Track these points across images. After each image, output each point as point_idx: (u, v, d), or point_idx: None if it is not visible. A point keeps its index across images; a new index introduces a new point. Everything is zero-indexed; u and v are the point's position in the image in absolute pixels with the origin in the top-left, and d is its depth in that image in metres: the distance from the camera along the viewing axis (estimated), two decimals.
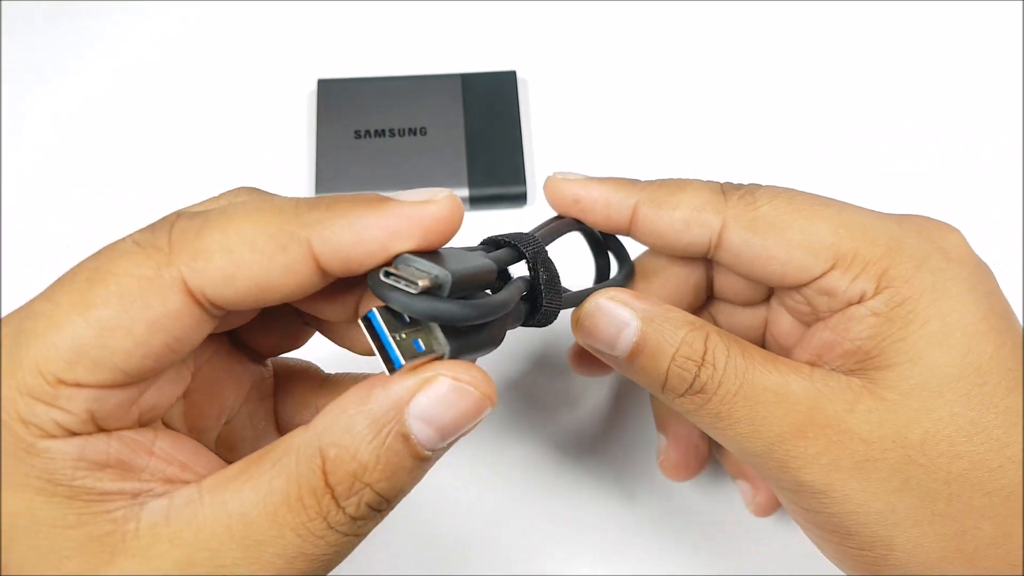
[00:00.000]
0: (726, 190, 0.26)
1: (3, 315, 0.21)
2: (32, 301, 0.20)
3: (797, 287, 0.25)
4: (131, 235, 0.20)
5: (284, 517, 0.19)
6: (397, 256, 0.20)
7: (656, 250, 0.28)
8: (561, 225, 0.27)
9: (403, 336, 0.19)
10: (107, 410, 0.20)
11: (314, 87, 0.44)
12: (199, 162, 0.43)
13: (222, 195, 0.23)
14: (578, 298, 0.26)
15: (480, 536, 0.35)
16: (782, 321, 0.28)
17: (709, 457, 0.33)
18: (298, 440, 0.20)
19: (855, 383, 0.24)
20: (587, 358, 0.31)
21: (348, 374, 0.27)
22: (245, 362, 0.26)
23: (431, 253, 0.21)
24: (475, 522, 0.35)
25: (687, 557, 0.34)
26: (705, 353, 0.24)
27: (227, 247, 0.19)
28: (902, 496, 0.23)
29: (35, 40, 0.45)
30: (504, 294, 0.22)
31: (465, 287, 0.20)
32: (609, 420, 0.37)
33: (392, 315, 0.20)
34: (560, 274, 0.25)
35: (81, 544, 0.19)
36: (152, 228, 0.20)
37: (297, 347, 0.26)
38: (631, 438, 0.36)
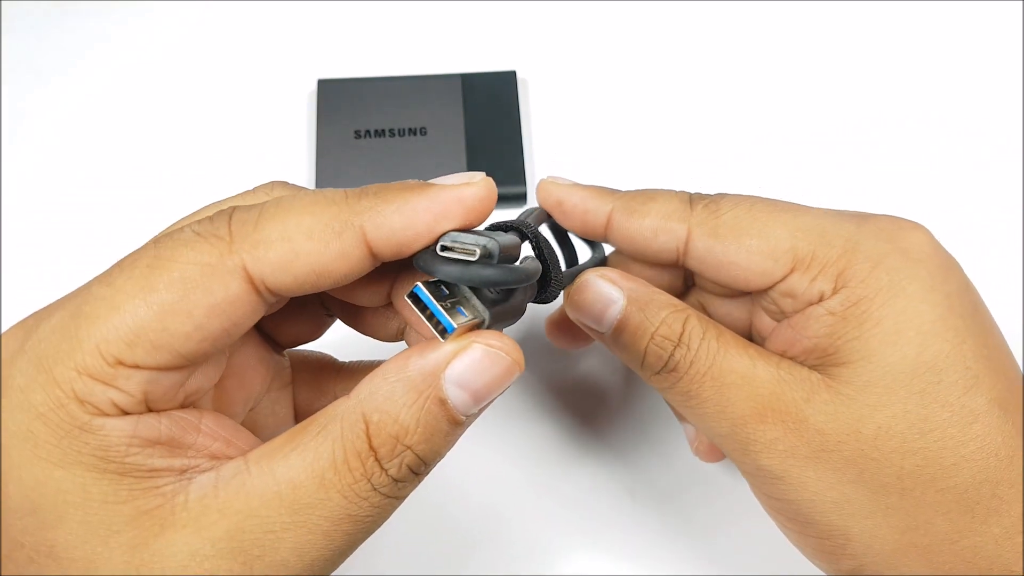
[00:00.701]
0: (693, 200, 0.27)
1: (3, 317, 0.21)
2: (90, 284, 0.21)
3: (762, 290, 0.26)
4: (189, 225, 0.21)
5: (331, 480, 0.20)
6: (442, 235, 0.22)
7: (631, 256, 0.29)
8: (541, 215, 0.29)
9: (448, 306, 0.21)
10: (160, 391, 0.21)
11: (314, 87, 0.44)
12: (199, 162, 0.43)
13: (259, 188, 0.25)
14: (573, 276, 0.28)
15: (482, 534, 0.35)
16: (761, 315, 0.29)
17: None
18: (341, 408, 0.21)
19: (814, 376, 0.25)
20: (563, 329, 0.33)
21: (362, 361, 0.28)
22: (269, 351, 0.27)
23: (467, 232, 0.22)
24: (476, 520, 0.35)
25: (688, 558, 0.34)
26: (682, 334, 0.26)
27: (286, 236, 0.21)
28: (856, 488, 0.24)
29: (35, 40, 0.46)
30: (531, 264, 0.24)
31: (504, 257, 0.22)
32: (609, 420, 0.37)
33: (433, 289, 0.21)
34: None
35: (131, 518, 0.20)
36: (211, 219, 0.21)
37: (316, 338, 0.28)
38: (630, 439, 0.36)
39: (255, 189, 0.25)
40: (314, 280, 0.21)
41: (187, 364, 0.21)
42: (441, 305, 0.21)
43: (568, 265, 0.32)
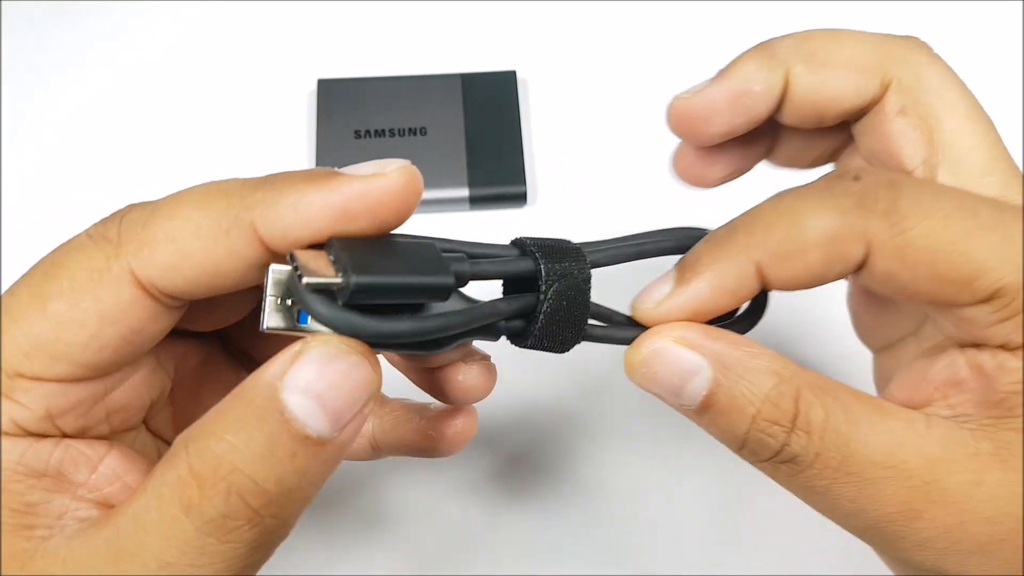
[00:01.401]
0: (860, 200, 0.20)
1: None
2: (2, 295, 0.20)
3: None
4: (87, 229, 0.20)
5: (144, 518, 0.17)
6: (330, 239, 0.18)
7: (803, 125, 0.25)
8: (661, 242, 0.23)
9: (294, 296, 0.18)
10: (66, 406, 0.19)
11: (314, 87, 0.44)
12: (199, 162, 0.43)
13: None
14: (626, 334, 0.22)
15: (482, 534, 0.35)
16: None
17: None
18: (178, 438, 0.18)
19: (983, 449, 0.20)
20: (687, 164, 0.29)
21: None
22: (240, 371, 0.25)
23: (386, 241, 0.19)
24: (475, 520, 0.35)
25: (688, 558, 0.34)
26: (797, 417, 0.20)
27: (171, 235, 0.19)
28: None
29: (35, 40, 0.45)
30: (419, 324, 0.19)
31: (380, 298, 0.18)
32: (609, 420, 0.37)
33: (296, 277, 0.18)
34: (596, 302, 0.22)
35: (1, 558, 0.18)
36: (104, 220, 0.20)
37: (240, 317, 0.25)
38: (631, 439, 0.36)
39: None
40: (207, 281, 0.19)
41: (91, 375, 0.20)
42: (280, 299, 0.18)
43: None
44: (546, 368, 0.37)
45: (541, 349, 0.22)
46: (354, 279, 0.17)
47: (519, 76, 0.44)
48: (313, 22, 0.46)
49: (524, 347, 0.22)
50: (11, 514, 0.18)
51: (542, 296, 0.21)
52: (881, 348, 0.27)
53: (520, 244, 0.22)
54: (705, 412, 0.21)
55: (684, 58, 0.46)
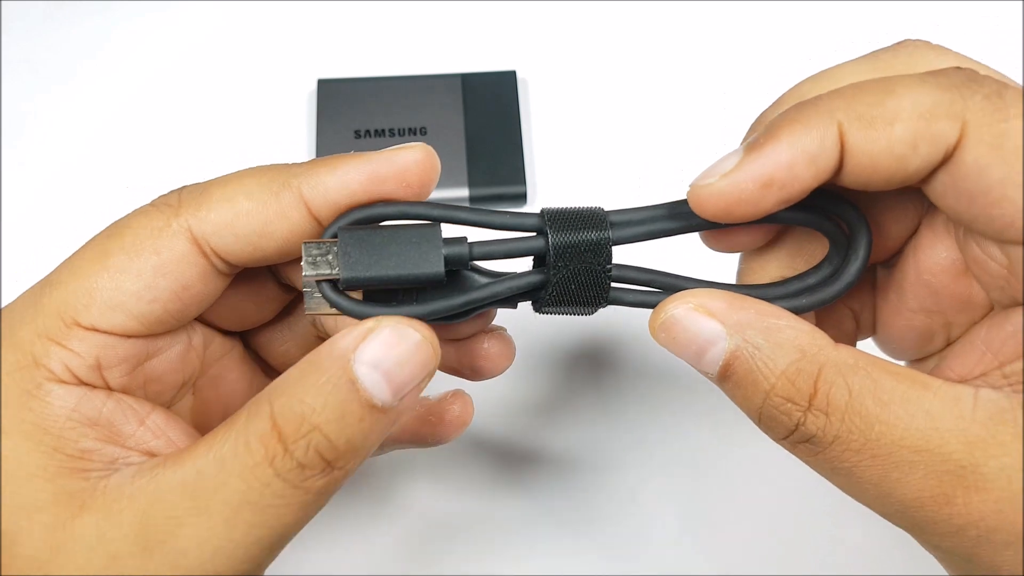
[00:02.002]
0: (963, 80, 0.18)
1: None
2: (57, 265, 0.22)
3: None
4: (149, 202, 0.22)
5: (230, 463, 0.19)
6: (345, 220, 0.21)
7: (865, 189, 0.20)
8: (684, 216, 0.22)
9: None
10: (114, 360, 0.21)
11: (314, 87, 0.44)
12: (199, 162, 0.43)
13: None
14: (651, 299, 0.22)
15: (481, 534, 0.35)
16: (937, 250, 0.21)
17: None
18: (250, 401, 0.20)
19: None
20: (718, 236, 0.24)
21: None
22: (258, 373, 0.27)
23: (391, 233, 0.21)
24: (475, 520, 0.35)
25: (689, 559, 0.34)
26: (814, 396, 0.19)
27: (227, 197, 0.22)
28: None
29: (35, 40, 0.45)
30: (416, 309, 0.21)
31: (373, 287, 0.21)
32: (609, 420, 0.37)
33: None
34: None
35: (54, 497, 0.20)
36: (164, 194, 0.23)
37: (267, 318, 0.27)
38: (631, 439, 0.36)
39: None
40: (256, 241, 0.21)
41: (142, 330, 0.21)
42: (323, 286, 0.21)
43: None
44: (553, 363, 0.37)
45: (561, 312, 0.23)
46: (343, 274, 0.21)
47: (519, 76, 0.44)
48: (313, 22, 0.46)
49: (542, 313, 0.23)
50: (66, 459, 0.20)
51: (550, 273, 0.22)
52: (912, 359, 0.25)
53: (542, 216, 0.22)
54: (724, 381, 0.20)
55: (684, 58, 0.46)
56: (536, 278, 0.22)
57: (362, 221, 0.22)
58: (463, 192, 0.41)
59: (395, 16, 0.47)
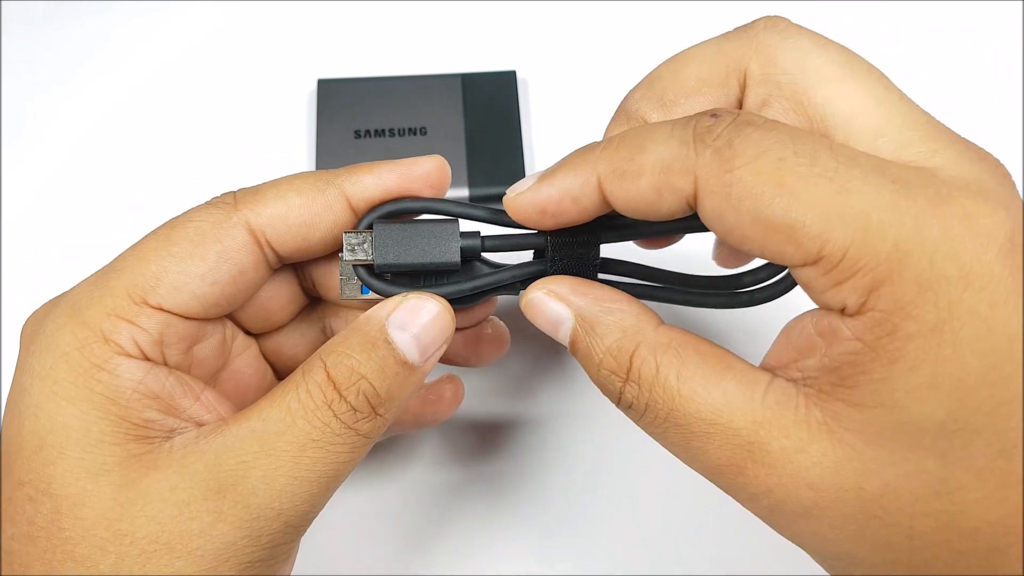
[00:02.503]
0: (698, 136, 0.20)
1: (3, 319, 0.23)
2: (118, 255, 0.24)
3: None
4: (203, 203, 0.25)
5: (295, 408, 0.23)
6: (381, 211, 0.26)
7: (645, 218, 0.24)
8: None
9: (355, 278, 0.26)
10: (174, 338, 0.24)
11: (314, 87, 0.44)
12: (199, 162, 0.43)
13: None
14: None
15: (481, 533, 0.35)
16: None
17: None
18: (303, 361, 0.24)
19: (814, 416, 0.20)
20: (724, 258, 0.31)
21: None
22: (269, 372, 0.29)
23: (417, 226, 0.25)
24: (475, 519, 0.35)
25: (689, 559, 0.34)
26: (630, 369, 0.22)
27: (280, 194, 0.25)
28: (857, 544, 0.20)
29: (35, 40, 0.45)
30: (438, 290, 0.25)
31: (400, 271, 0.26)
32: (609, 419, 0.37)
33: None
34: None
35: (122, 460, 0.22)
36: (219, 195, 0.26)
37: (288, 320, 0.29)
38: (631, 439, 0.36)
39: None
40: (304, 231, 0.25)
41: (199, 313, 0.24)
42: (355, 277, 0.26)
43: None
44: (554, 362, 0.37)
45: None
46: (377, 260, 0.25)
47: (519, 76, 0.44)
48: (313, 22, 0.46)
49: None
50: (131, 427, 0.22)
51: (547, 265, 0.25)
52: None
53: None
54: (574, 354, 0.24)
55: None
56: (535, 268, 0.26)
57: (393, 213, 0.26)
58: (463, 192, 0.41)
59: (395, 16, 0.47)
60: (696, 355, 0.22)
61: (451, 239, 0.25)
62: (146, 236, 0.25)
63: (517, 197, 0.24)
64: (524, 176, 0.41)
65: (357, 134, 0.42)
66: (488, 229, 0.26)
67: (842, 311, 0.20)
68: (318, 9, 0.47)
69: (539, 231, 0.25)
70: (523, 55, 0.45)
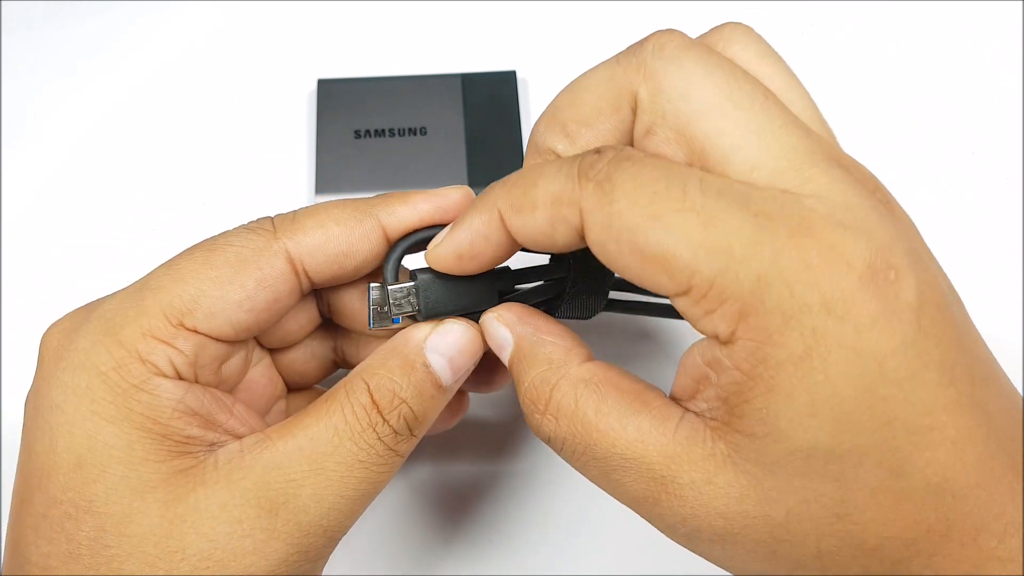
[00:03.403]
0: (582, 171, 0.21)
1: (3, 319, 0.22)
2: (152, 272, 0.25)
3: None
4: (242, 225, 0.25)
5: (342, 430, 0.23)
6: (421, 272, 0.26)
7: (546, 252, 0.25)
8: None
9: (386, 308, 0.26)
10: (207, 360, 0.24)
11: (314, 87, 0.44)
12: (199, 162, 0.43)
13: None
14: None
15: (481, 533, 0.35)
16: None
17: None
18: (345, 381, 0.24)
19: (719, 450, 0.21)
20: None
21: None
22: (281, 382, 0.30)
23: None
24: (475, 519, 0.35)
25: (688, 559, 0.34)
26: (548, 403, 0.23)
27: (319, 223, 0.25)
28: (771, 564, 0.21)
29: (35, 40, 0.45)
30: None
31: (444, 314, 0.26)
32: None
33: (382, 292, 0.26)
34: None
35: (167, 476, 0.22)
36: (256, 220, 0.26)
37: (319, 381, 0.31)
38: None
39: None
40: (342, 260, 0.25)
41: (234, 337, 0.24)
42: (380, 308, 0.26)
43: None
44: None
45: (574, 317, 0.28)
46: (424, 312, 0.26)
47: (519, 76, 0.44)
48: (313, 22, 0.46)
49: (555, 316, 0.27)
50: (174, 444, 0.23)
51: (568, 289, 0.27)
52: None
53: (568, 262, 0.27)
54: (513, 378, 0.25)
55: None
56: (557, 289, 0.27)
57: (419, 241, 0.26)
58: None
59: (395, 16, 0.47)
60: (615, 391, 0.23)
61: (488, 284, 0.26)
62: (183, 255, 0.25)
63: (435, 249, 0.25)
64: None
65: (357, 134, 0.42)
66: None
67: (717, 339, 0.20)
68: (318, 9, 0.47)
69: (556, 261, 0.27)
70: (523, 55, 0.45)
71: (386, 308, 0.26)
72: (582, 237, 0.22)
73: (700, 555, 0.23)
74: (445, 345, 0.25)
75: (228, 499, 0.22)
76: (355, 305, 0.28)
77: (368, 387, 0.24)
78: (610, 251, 0.21)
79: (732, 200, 0.20)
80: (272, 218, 0.26)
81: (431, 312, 0.26)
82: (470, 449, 0.36)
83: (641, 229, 0.20)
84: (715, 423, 0.21)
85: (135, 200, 0.41)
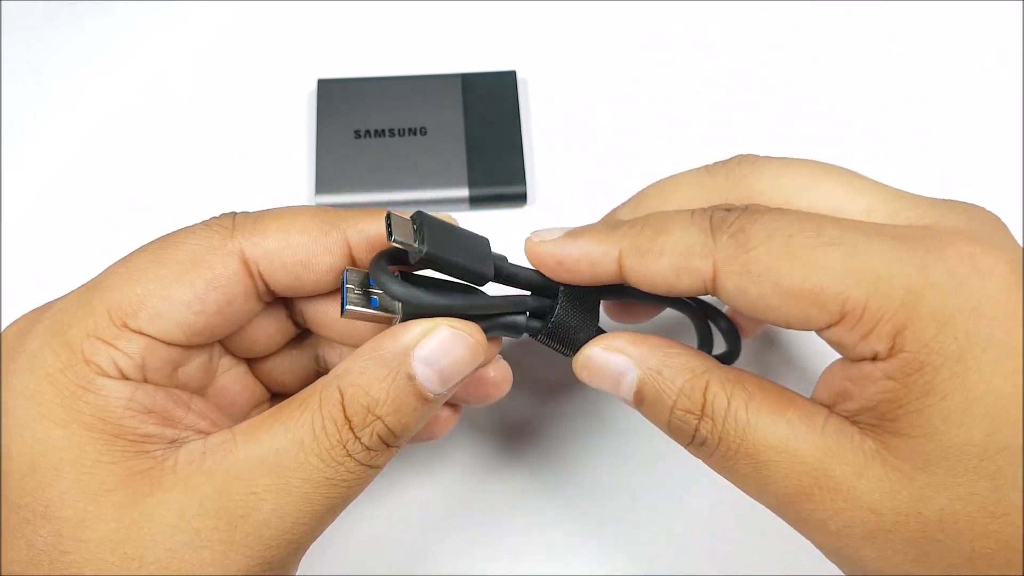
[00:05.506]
0: (715, 225, 0.23)
1: (2, 326, 0.22)
2: (106, 269, 0.23)
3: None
4: (201, 221, 0.24)
5: (310, 445, 0.22)
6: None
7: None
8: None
9: (362, 292, 0.24)
10: (156, 363, 0.23)
11: (314, 87, 0.44)
12: (199, 162, 0.43)
13: None
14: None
15: (482, 532, 0.35)
16: None
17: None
18: (320, 384, 0.23)
19: (868, 446, 0.22)
20: (621, 309, 0.31)
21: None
22: (259, 385, 0.29)
23: (455, 228, 0.25)
24: (476, 518, 0.35)
25: (688, 558, 0.34)
26: (704, 405, 0.23)
27: (282, 228, 0.24)
28: (922, 566, 0.21)
29: (35, 40, 0.45)
30: (465, 300, 0.25)
31: (437, 269, 0.24)
32: (610, 418, 0.37)
33: (362, 277, 0.24)
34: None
35: (122, 479, 0.21)
36: (217, 216, 0.24)
37: (274, 350, 0.29)
38: (632, 438, 0.36)
39: None
40: (299, 271, 0.24)
41: (182, 340, 0.23)
42: (355, 291, 0.24)
43: (701, 344, 0.30)
44: (556, 362, 0.37)
45: (553, 346, 0.26)
46: (428, 248, 0.23)
47: (519, 76, 0.44)
48: (313, 22, 0.46)
49: (539, 340, 0.26)
50: (128, 443, 0.22)
51: (558, 302, 0.26)
52: None
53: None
54: (640, 405, 0.24)
55: (685, 58, 0.46)
56: (546, 302, 0.26)
57: (397, 259, 0.24)
58: (463, 192, 0.41)
59: (395, 16, 0.47)
60: (760, 390, 0.23)
61: (487, 253, 0.25)
62: (137, 251, 0.24)
63: (541, 244, 0.25)
64: (523, 177, 0.41)
65: (357, 134, 0.42)
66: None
67: (873, 359, 0.21)
68: (318, 9, 0.47)
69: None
70: (523, 55, 0.45)
71: (362, 291, 0.24)
72: (706, 287, 0.23)
73: (848, 560, 0.22)
74: (435, 354, 0.23)
75: (187, 507, 0.21)
76: (329, 315, 0.26)
77: (342, 397, 0.22)
78: (751, 296, 0.22)
79: (867, 231, 0.22)
80: (235, 215, 0.24)
81: (437, 251, 0.23)
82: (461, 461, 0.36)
83: (784, 270, 0.21)
84: (861, 425, 0.22)
85: (135, 200, 0.41)
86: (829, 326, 0.22)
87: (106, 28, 0.46)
